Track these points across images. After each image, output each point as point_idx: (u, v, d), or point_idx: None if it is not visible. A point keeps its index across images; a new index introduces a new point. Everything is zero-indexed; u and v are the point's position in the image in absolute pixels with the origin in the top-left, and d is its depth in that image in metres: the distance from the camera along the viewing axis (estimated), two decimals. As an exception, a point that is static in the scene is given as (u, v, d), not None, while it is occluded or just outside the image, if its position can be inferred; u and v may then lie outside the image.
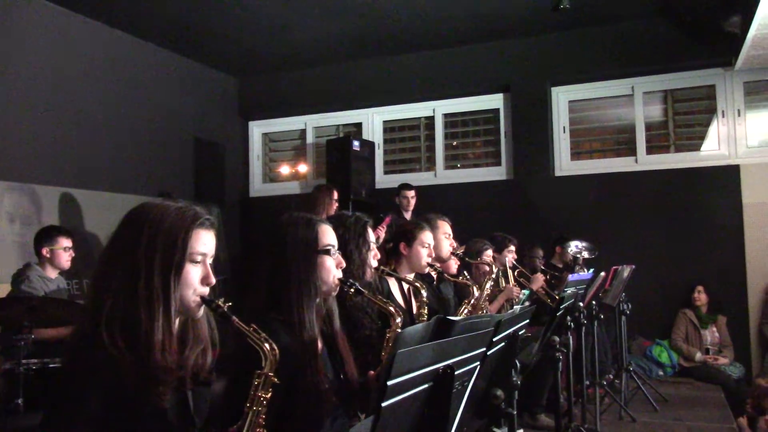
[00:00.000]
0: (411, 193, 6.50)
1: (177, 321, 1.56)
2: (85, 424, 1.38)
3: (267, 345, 1.59)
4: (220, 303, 1.57)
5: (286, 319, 1.96)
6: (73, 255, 4.46)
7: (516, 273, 4.94)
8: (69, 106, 5.84)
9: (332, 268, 2.09)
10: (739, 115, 6.40)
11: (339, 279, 2.13)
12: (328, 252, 2.07)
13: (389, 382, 1.12)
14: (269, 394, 1.59)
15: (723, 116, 6.45)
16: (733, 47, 5.79)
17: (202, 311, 1.59)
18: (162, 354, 1.46)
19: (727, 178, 6.25)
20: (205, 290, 1.57)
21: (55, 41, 5.77)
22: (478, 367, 1.61)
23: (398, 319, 2.36)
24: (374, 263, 2.83)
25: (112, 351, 1.40)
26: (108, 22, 6.26)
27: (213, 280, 1.58)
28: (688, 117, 6.83)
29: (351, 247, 2.68)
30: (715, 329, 6.05)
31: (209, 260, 1.60)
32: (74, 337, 1.51)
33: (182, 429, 1.56)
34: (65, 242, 4.40)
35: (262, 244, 2.13)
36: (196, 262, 1.56)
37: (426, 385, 1.30)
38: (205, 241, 1.58)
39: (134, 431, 1.44)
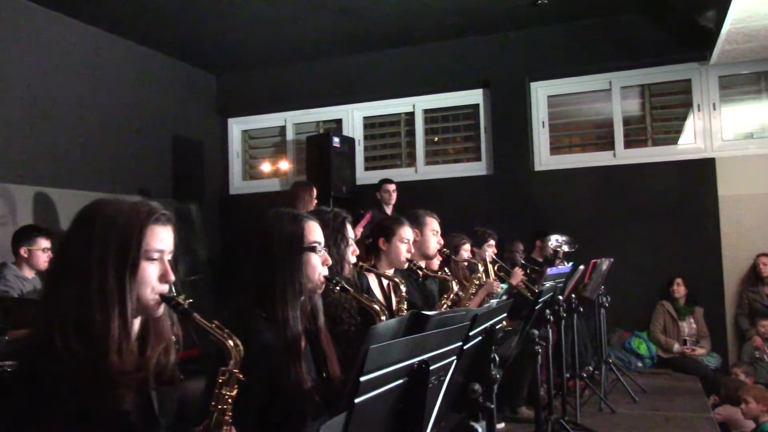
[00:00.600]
0: (392, 187, 6.52)
1: (137, 320, 1.52)
2: (42, 429, 1.34)
3: (231, 341, 1.55)
4: (180, 300, 1.53)
5: (270, 316, 1.94)
6: (51, 256, 4.41)
7: (496, 267, 4.96)
8: (43, 104, 5.74)
9: (318, 265, 2.06)
10: (714, 108, 6.48)
11: (325, 276, 2.10)
12: (314, 249, 2.05)
13: (362, 378, 1.12)
14: (234, 392, 1.55)
15: (699, 110, 6.53)
16: (708, 42, 5.86)
17: (161, 309, 1.54)
18: (119, 356, 1.41)
19: (703, 171, 6.33)
20: (164, 287, 1.53)
21: (29, 38, 5.67)
22: (455, 361, 1.61)
23: (383, 317, 2.35)
24: (353, 259, 2.82)
25: (65, 354, 1.36)
26: (83, 18, 6.16)
27: (172, 277, 1.53)
28: (665, 111, 6.91)
29: (329, 242, 2.67)
30: (692, 320, 6.14)
31: (168, 257, 1.55)
32: (28, 340, 1.47)
33: (146, 430, 1.52)
34: (44, 243, 4.36)
35: (247, 240, 2.11)
36: (153, 260, 1.51)
37: (401, 381, 1.30)
38: (161, 238, 1.53)
39: None
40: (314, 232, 2.08)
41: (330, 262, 2.13)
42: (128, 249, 1.46)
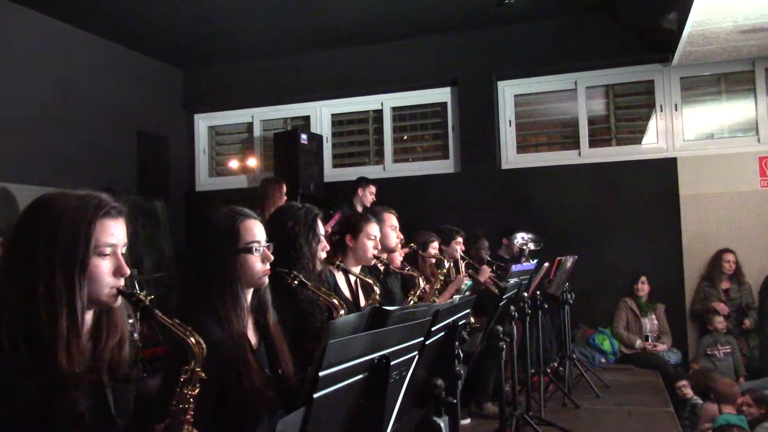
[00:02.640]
0: (374, 190, 6.47)
1: (89, 316, 1.48)
2: None
3: (192, 339, 1.52)
4: (141, 296, 1.49)
5: (216, 314, 1.92)
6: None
7: (464, 264, 5.00)
8: (4, 98, 5.59)
9: (256, 264, 2.01)
10: (676, 109, 6.62)
11: (274, 270, 2.08)
12: (250, 250, 2.00)
13: (321, 373, 1.11)
14: (197, 391, 1.52)
15: (661, 110, 6.66)
16: (670, 44, 5.98)
17: (118, 301, 1.50)
18: (67, 356, 1.36)
19: (665, 170, 6.45)
20: (120, 282, 1.48)
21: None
22: (417, 356, 1.62)
23: (341, 311, 2.36)
24: (323, 255, 2.82)
25: (13, 357, 1.31)
26: (47, 11, 6.01)
27: (127, 271, 1.48)
28: (629, 111, 7.03)
29: (301, 240, 2.65)
30: (654, 317, 6.26)
31: (121, 250, 1.50)
32: None
33: (103, 431, 1.48)
34: None
35: (192, 240, 2.10)
36: (105, 255, 1.46)
37: (361, 376, 1.29)
38: (112, 231, 1.47)
39: None
40: (250, 231, 2.03)
41: (272, 258, 2.08)
42: (76, 245, 1.41)
